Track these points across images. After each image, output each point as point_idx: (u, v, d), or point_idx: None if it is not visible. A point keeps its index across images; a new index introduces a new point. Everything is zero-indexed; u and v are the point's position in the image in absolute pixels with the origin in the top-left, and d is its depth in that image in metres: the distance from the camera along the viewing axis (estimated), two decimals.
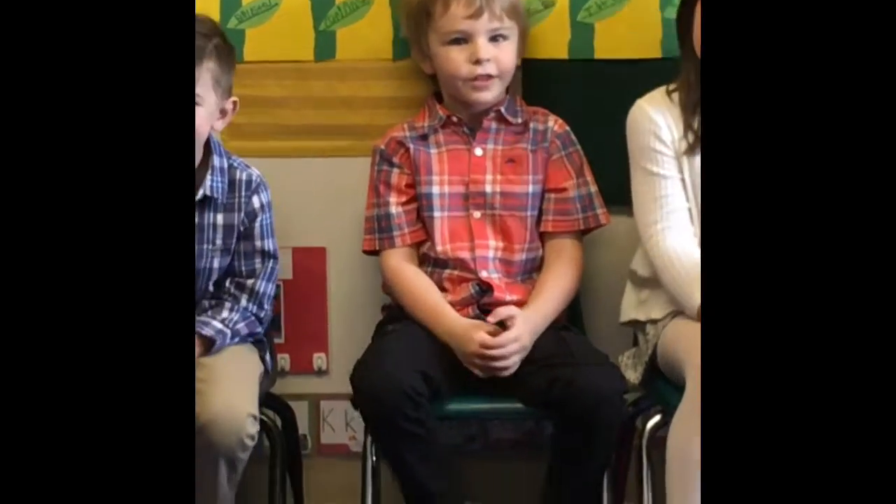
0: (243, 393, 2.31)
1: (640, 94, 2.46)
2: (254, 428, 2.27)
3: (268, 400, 2.51)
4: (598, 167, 2.56)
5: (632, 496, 2.50)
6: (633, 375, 2.47)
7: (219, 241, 2.46)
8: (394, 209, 2.53)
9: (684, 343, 2.25)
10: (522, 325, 2.37)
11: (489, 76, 2.49)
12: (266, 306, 2.49)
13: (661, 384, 2.39)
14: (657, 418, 2.39)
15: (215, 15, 2.60)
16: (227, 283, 2.48)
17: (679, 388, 2.24)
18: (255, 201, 2.48)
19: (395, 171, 2.54)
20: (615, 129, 2.50)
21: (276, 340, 2.69)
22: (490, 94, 2.51)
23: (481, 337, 2.35)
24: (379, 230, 2.54)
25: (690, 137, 2.37)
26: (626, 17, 2.61)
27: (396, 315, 2.52)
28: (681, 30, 2.41)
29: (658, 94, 2.44)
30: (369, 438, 2.41)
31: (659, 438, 2.32)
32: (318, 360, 2.74)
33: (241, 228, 2.47)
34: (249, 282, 2.48)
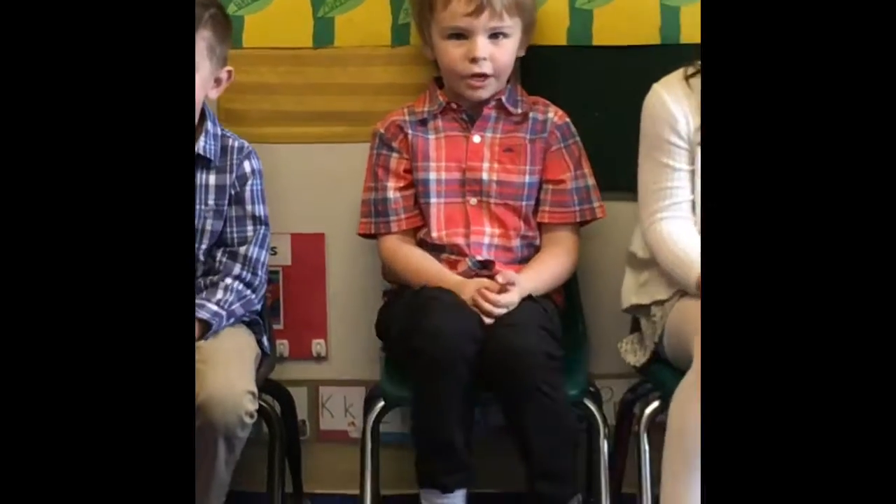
0: (241, 371, 2.31)
1: (639, 81, 2.44)
2: (252, 405, 2.26)
3: (267, 386, 2.50)
4: (596, 153, 2.56)
5: (631, 483, 2.49)
6: (633, 360, 2.47)
7: (211, 202, 2.46)
8: (391, 194, 2.53)
9: (693, 321, 2.24)
10: (516, 294, 2.38)
11: (485, 75, 2.48)
12: (259, 273, 2.48)
13: (660, 369, 2.39)
14: (656, 404, 2.38)
15: None
16: (220, 255, 2.47)
17: (679, 372, 2.23)
18: (247, 165, 2.49)
19: (395, 155, 2.54)
20: (614, 114, 2.50)
21: (275, 326, 2.68)
22: (486, 92, 2.51)
23: (486, 283, 2.38)
24: (375, 214, 2.54)
25: None
26: (625, 3, 2.60)
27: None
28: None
29: (676, 79, 2.40)
30: (368, 424, 2.40)
31: (658, 424, 2.32)
32: (317, 346, 2.74)
33: (233, 192, 2.47)
34: (242, 248, 2.47)
